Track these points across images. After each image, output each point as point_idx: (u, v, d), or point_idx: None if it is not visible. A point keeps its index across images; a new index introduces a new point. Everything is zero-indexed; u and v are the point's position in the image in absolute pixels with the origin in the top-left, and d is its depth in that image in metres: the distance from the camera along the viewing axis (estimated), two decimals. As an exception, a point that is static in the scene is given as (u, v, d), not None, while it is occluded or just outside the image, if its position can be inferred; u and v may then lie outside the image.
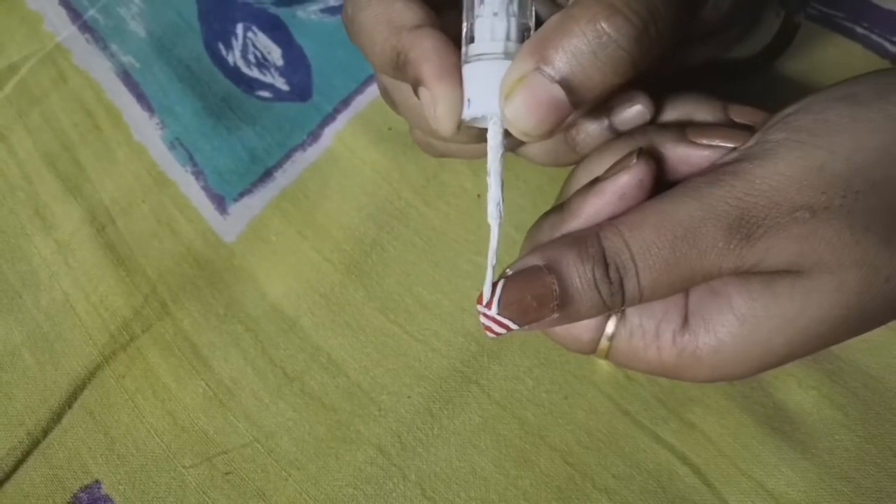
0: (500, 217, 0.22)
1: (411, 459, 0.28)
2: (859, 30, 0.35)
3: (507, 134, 0.22)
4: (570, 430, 0.28)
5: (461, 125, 0.22)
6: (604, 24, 0.20)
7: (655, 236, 0.21)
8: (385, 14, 0.23)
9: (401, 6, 0.23)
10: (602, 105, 0.25)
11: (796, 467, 0.26)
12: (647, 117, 0.25)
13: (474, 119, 0.22)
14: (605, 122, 0.25)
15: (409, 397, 0.29)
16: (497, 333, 0.22)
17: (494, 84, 0.21)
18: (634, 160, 0.22)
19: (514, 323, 0.22)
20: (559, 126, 0.21)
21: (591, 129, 0.26)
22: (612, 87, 0.21)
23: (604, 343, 0.24)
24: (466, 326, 0.30)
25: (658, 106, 0.26)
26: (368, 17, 0.23)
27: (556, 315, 0.22)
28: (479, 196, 0.33)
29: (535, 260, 0.22)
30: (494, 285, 0.22)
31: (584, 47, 0.20)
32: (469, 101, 0.22)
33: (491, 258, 0.22)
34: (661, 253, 0.21)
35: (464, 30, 0.22)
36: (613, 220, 0.22)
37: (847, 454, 0.26)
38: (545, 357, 0.29)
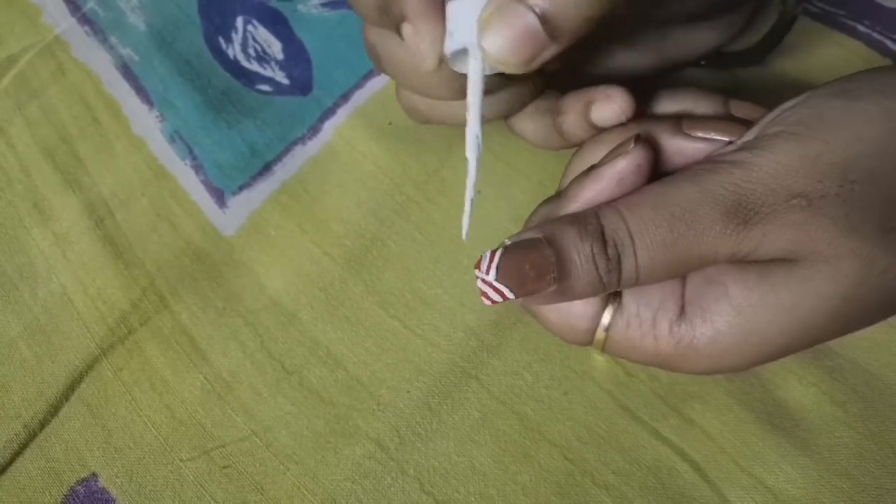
0: (479, 150, 0.22)
1: (410, 454, 0.27)
2: (861, 28, 0.35)
3: (500, 84, 0.22)
4: (569, 426, 0.28)
5: (443, 63, 0.23)
6: None
7: (653, 215, 0.22)
8: None
9: None
10: (585, 98, 0.25)
11: (796, 464, 0.26)
12: (623, 118, 0.25)
13: (456, 55, 0.23)
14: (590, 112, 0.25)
15: (408, 392, 0.29)
16: (493, 301, 0.22)
17: (475, 17, 0.21)
18: (632, 145, 0.23)
19: (511, 291, 0.22)
20: (536, 58, 0.21)
21: (577, 119, 0.26)
22: (588, 20, 0.21)
23: (600, 334, 0.24)
24: (466, 322, 0.30)
25: (646, 101, 0.26)
26: None
27: (552, 288, 0.22)
28: (479, 192, 0.33)
29: (535, 233, 0.22)
30: (493, 253, 0.22)
31: None
32: (451, 34, 0.22)
33: (469, 191, 0.22)
34: (659, 232, 0.21)
35: None
36: (612, 201, 0.23)
37: (847, 451, 0.26)
38: (545, 353, 0.29)
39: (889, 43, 0.34)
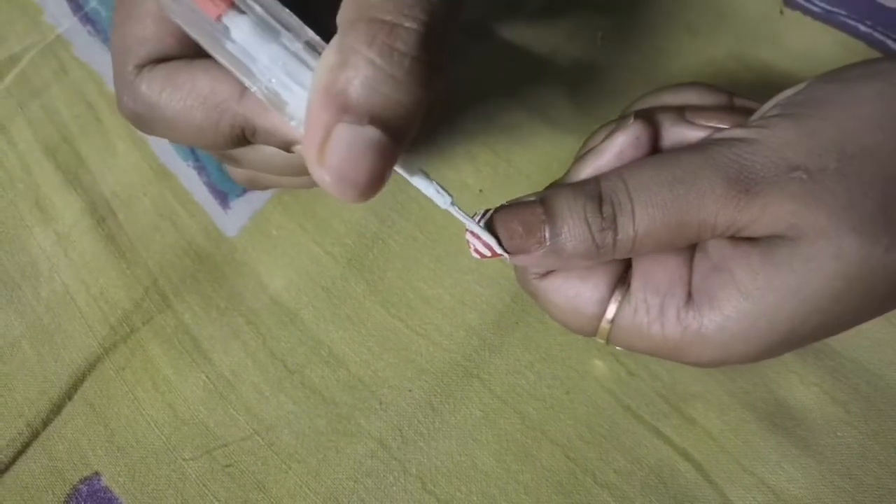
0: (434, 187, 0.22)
1: (412, 453, 0.27)
2: (862, 28, 0.35)
3: None
4: (571, 425, 0.28)
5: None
6: (389, 43, 0.18)
7: (654, 176, 0.22)
8: (196, 97, 0.23)
9: (208, 81, 0.22)
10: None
11: (798, 464, 0.26)
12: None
13: None
14: None
15: (410, 391, 0.29)
16: (481, 254, 0.23)
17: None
18: (631, 121, 0.23)
19: (499, 247, 0.22)
20: (390, 170, 0.19)
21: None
22: (424, 101, 0.19)
23: (605, 324, 0.24)
24: (468, 321, 0.30)
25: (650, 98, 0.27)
26: (179, 107, 0.23)
27: (543, 247, 0.22)
28: (481, 191, 0.33)
29: (532, 197, 0.23)
30: (487, 211, 0.23)
31: (379, 75, 0.18)
32: (292, 118, 0.21)
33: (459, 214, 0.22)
34: (659, 191, 0.21)
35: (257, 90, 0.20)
36: (614, 168, 0.23)
37: (849, 451, 0.26)
38: (547, 352, 0.29)
39: (890, 43, 0.34)
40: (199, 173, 0.34)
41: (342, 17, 0.18)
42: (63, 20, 0.39)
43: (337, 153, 0.18)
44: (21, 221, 0.33)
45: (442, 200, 0.21)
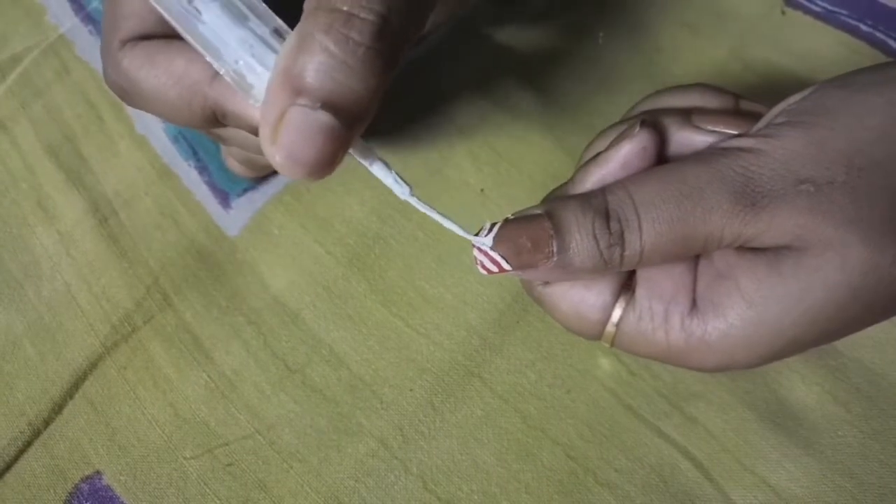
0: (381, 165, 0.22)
1: (413, 452, 0.27)
2: (863, 28, 0.35)
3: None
4: (572, 424, 0.28)
5: None
6: (344, 32, 0.19)
7: (661, 191, 0.22)
8: (171, 76, 0.23)
9: (182, 62, 0.23)
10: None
11: (799, 463, 0.26)
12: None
13: None
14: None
15: (411, 390, 0.29)
16: (488, 270, 0.23)
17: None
18: (637, 129, 0.23)
19: (506, 262, 0.22)
20: (341, 154, 0.20)
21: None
22: (377, 90, 0.20)
23: (610, 328, 0.24)
24: (469, 320, 0.30)
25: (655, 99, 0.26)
26: (155, 83, 0.24)
27: (551, 262, 0.22)
28: (482, 191, 0.33)
29: (537, 209, 0.23)
30: (494, 224, 0.23)
31: (333, 62, 0.19)
32: (257, 101, 0.21)
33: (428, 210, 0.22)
34: (666, 207, 0.21)
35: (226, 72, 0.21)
36: (620, 180, 0.23)
37: (850, 450, 0.26)
38: (548, 351, 0.29)
39: (891, 42, 0.34)
40: (201, 173, 0.34)
41: (306, 5, 0.19)
42: (65, 20, 0.39)
43: (289, 134, 0.19)
44: (24, 221, 0.33)
45: (401, 191, 0.22)
